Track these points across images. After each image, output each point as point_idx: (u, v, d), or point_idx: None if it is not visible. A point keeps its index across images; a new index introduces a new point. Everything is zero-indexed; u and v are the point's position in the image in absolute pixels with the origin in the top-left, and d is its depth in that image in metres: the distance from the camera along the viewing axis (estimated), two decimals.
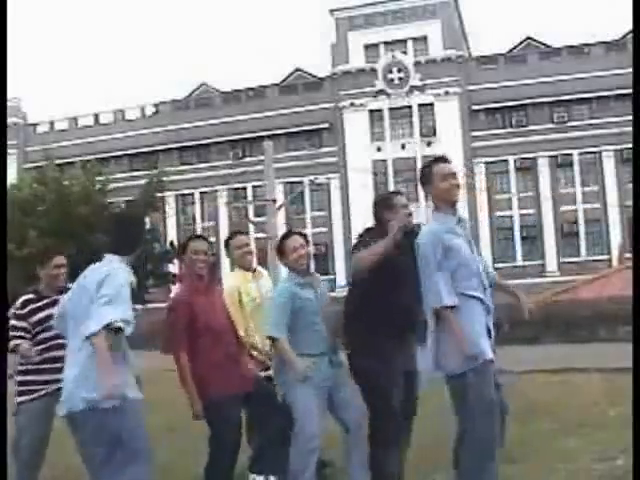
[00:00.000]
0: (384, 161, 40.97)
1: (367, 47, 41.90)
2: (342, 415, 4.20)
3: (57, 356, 4.25)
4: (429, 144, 40.13)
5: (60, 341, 4.22)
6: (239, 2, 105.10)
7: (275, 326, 4.12)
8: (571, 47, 40.31)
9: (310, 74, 44.79)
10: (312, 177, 37.04)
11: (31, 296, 4.61)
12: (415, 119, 41.05)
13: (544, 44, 42.37)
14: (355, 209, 40.58)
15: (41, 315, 4.45)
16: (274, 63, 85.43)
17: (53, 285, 4.54)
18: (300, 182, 38.79)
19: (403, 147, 40.80)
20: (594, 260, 36.85)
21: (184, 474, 5.06)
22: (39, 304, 4.51)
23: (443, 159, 3.89)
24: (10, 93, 38.48)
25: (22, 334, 4.45)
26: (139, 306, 28.51)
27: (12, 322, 4.47)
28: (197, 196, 44.27)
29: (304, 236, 4.38)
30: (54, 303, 4.33)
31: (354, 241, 4.23)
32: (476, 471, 3.59)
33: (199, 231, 42.24)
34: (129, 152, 43.98)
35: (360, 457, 4.09)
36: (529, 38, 43.13)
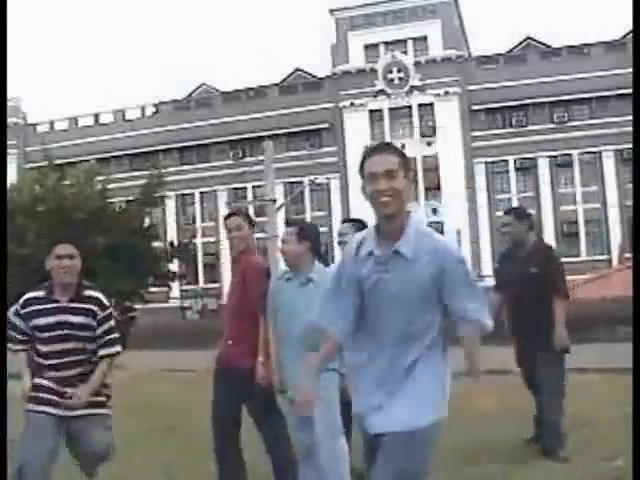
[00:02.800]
0: None
1: (367, 47, 41.92)
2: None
3: (65, 375, 3.78)
4: (429, 144, 40.16)
5: (70, 358, 3.77)
6: (239, 2, 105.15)
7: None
8: (571, 47, 40.32)
9: (310, 74, 44.80)
10: (312, 177, 37.05)
11: (38, 294, 3.82)
12: (415, 119, 41.06)
13: (544, 44, 42.37)
14: (355, 209, 40.64)
15: (41, 321, 3.75)
16: (274, 63, 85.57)
17: (61, 282, 3.77)
18: (300, 182, 38.78)
19: (403, 147, 40.61)
20: (594, 260, 36.86)
21: (184, 474, 5.05)
22: (42, 307, 3.76)
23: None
24: (10, 93, 38.53)
25: (17, 335, 3.85)
26: (139, 306, 28.57)
27: (11, 318, 3.84)
28: (197, 196, 44.31)
29: (300, 230, 4.07)
30: (61, 310, 3.75)
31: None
32: None
33: (199, 231, 42.34)
34: (129, 152, 44.03)
35: None
36: (529, 38, 43.14)
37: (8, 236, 16.01)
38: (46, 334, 3.72)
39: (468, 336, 2.69)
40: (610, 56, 37.90)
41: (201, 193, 44.10)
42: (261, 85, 44.50)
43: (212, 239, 43.17)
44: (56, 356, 3.74)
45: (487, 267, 35.27)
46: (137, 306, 27.81)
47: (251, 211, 39.62)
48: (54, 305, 3.75)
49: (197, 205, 44.50)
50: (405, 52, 41.50)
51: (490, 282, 6.36)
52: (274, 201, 23.37)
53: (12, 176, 34.78)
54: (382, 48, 41.79)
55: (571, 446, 5.17)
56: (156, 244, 31.19)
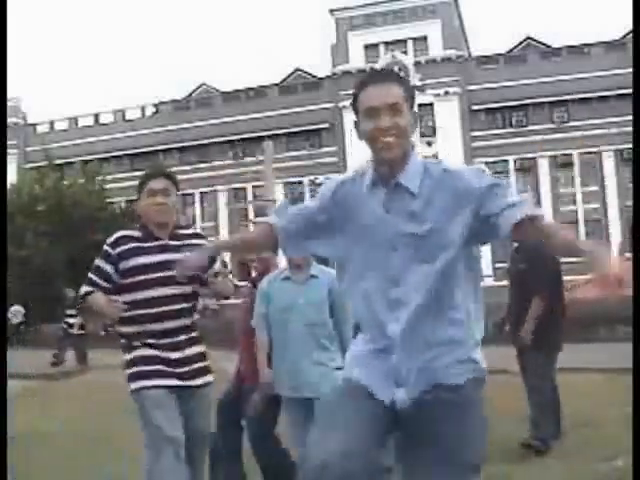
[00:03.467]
0: None
1: (367, 47, 41.93)
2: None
3: (169, 328, 3.11)
4: (429, 144, 40.14)
5: (174, 306, 3.12)
6: (239, 2, 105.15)
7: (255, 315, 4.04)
8: (571, 47, 40.31)
9: (310, 74, 44.81)
10: (312, 177, 37.04)
11: (133, 233, 3.20)
12: None
13: (544, 44, 42.38)
14: None
15: (142, 260, 3.11)
16: (274, 63, 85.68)
17: (155, 222, 3.18)
18: (300, 182, 38.78)
19: None
20: None
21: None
22: (142, 245, 3.14)
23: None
24: (10, 93, 38.55)
25: (100, 281, 3.14)
26: None
27: (96, 261, 3.18)
28: (197, 196, 44.30)
29: None
30: (165, 249, 3.13)
31: None
32: None
33: (199, 231, 42.35)
34: (129, 152, 44.02)
35: None
36: (529, 38, 43.15)
37: (8, 237, 16.05)
38: (147, 276, 3.08)
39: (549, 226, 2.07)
40: (610, 56, 37.90)
41: (201, 193, 44.07)
42: (261, 85, 44.50)
43: (212, 239, 43.15)
44: (158, 303, 3.09)
45: (487, 267, 35.27)
46: None
47: (251, 211, 39.82)
48: (157, 243, 3.15)
49: (197, 205, 44.48)
50: (405, 52, 41.50)
51: (489, 282, 6.38)
52: (274, 201, 23.39)
53: (12, 176, 34.81)
54: (382, 48, 41.79)
55: (571, 446, 5.17)
56: None
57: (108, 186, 30.54)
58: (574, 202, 39.25)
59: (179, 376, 3.09)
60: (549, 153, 39.33)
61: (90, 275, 3.18)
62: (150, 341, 3.07)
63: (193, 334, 3.21)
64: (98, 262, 3.15)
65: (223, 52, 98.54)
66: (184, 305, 3.16)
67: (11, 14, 72.70)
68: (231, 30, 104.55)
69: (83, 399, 9.44)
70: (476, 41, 77.27)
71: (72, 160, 33.85)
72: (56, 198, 27.98)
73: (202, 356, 3.24)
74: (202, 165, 43.77)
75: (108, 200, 30.00)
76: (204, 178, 43.22)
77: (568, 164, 39.43)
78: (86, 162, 32.39)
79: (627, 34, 36.43)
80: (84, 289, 3.17)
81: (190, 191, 43.77)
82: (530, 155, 39.53)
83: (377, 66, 41.44)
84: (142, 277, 3.08)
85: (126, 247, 3.11)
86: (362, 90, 2.16)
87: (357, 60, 41.88)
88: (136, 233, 3.18)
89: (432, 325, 2.13)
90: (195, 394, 3.15)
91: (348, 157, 40.96)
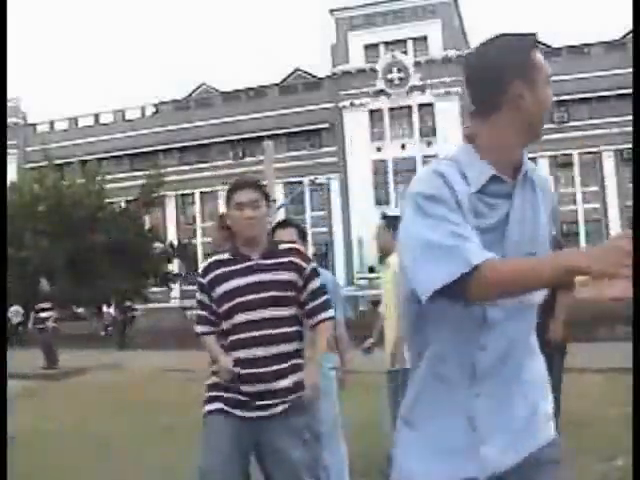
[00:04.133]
0: (384, 161, 40.99)
1: (367, 47, 41.96)
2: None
3: (257, 356, 2.78)
4: (429, 144, 40.16)
5: (264, 332, 2.79)
6: (239, 2, 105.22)
7: None
8: (571, 47, 40.36)
9: (310, 74, 44.83)
10: (312, 177, 37.05)
11: (223, 256, 2.94)
12: (415, 119, 41.07)
13: (544, 44, 42.36)
14: (355, 209, 40.62)
15: (232, 284, 2.83)
16: (274, 63, 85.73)
17: (246, 237, 2.88)
18: (300, 182, 38.80)
19: (403, 147, 40.85)
20: None
21: (184, 474, 5.05)
22: (232, 268, 2.86)
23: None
24: (10, 93, 38.55)
25: (205, 314, 2.92)
26: (141, 306, 28.57)
27: (197, 297, 2.98)
28: (197, 196, 44.31)
29: (301, 230, 3.95)
30: (255, 269, 2.85)
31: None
32: None
33: (199, 231, 42.36)
34: (129, 152, 44.06)
35: None
36: None
37: (8, 238, 16.04)
38: (236, 300, 2.81)
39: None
40: (610, 56, 37.93)
41: (201, 193, 44.10)
42: (261, 85, 44.55)
43: (208, 241, 43.22)
44: (247, 328, 2.79)
45: None
46: (138, 306, 27.85)
47: None
48: (247, 264, 2.85)
49: (197, 205, 44.49)
50: (405, 52, 41.53)
51: None
52: (274, 201, 23.39)
53: (12, 176, 34.82)
54: (382, 48, 41.82)
55: (571, 446, 5.16)
56: (157, 244, 31.28)
57: (108, 186, 30.50)
58: (574, 202, 39.26)
59: (259, 408, 2.78)
60: (549, 153, 39.30)
61: (197, 312, 2.98)
62: (238, 356, 2.80)
63: (293, 361, 2.84)
64: (197, 295, 2.95)
65: (223, 52, 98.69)
66: (280, 330, 2.82)
67: (11, 14, 72.74)
68: (231, 30, 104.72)
69: (82, 399, 9.44)
70: (476, 41, 77.13)
71: (72, 160, 33.83)
72: (56, 198, 27.97)
73: (298, 386, 2.85)
74: (202, 165, 43.80)
75: (108, 200, 29.97)
76: (204, 178, 43.23)
77: (568, 164, 39.44)
78: (86, 162, 32.36)
79: (627, 34, 36.44)
80: (199, 329, 2.96)
81: (190, 191, 43.85)
82: (530, 155, 37.91)
83: (377, 66, 41.52)
84: (233, 302, 2.81)
85: (216, 273, 2.87)
86: (534, 50, 1.79)
87: (357, 60, 41.91)
88: (226, 256, 2.91)
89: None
90: (274, 424, 2.79)
91: (348, 157, 40.98)
